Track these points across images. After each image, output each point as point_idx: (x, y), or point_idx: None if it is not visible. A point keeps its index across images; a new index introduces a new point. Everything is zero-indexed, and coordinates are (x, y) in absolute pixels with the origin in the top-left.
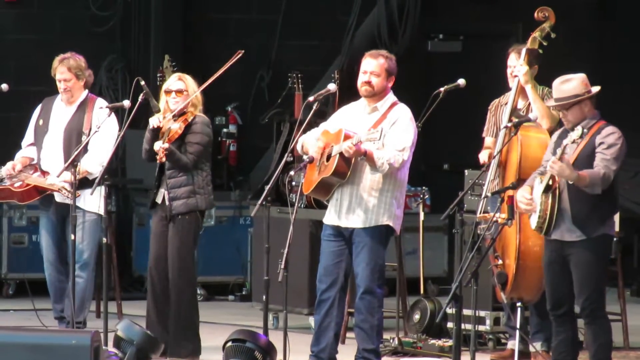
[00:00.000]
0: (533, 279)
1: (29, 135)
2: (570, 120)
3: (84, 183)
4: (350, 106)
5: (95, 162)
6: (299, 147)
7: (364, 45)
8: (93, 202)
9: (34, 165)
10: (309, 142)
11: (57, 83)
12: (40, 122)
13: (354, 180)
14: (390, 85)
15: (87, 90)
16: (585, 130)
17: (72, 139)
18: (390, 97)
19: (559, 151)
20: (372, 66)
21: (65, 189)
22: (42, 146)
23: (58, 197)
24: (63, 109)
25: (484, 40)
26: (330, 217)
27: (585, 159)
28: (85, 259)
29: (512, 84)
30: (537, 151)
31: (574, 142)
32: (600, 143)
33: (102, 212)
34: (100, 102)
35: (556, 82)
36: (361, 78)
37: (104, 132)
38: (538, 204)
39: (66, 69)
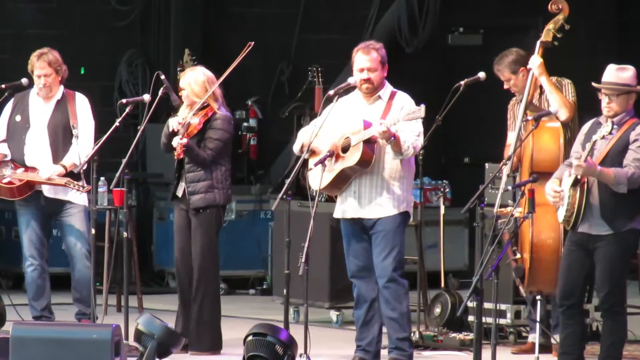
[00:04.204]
0: (549, 271)
1: (1, 132)
2: (613, 108)
3: (73, 176)
4: (344, 100)
5: (85, 154)
6: (296, 149)
7: (384, 39)
8: (81, 195)
9: (7, 161)
10: (317, 143)
11: (36, 79)
12: (18, 118)
13: (374, 169)
14: (385, 74)
15: (62, 86)
16: (616, 126)
17: (58, 134)
18: (389, 86)
19: (588, 146)
20: (368, 62)
21: (74, 182)
22: (25, 142)
23: (48, 192)
24: (42, 105)
25: (504, 33)
26: (351, 210)
27: (618, 154)
28: (89, 248)
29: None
30: (549, 143)
31: (603, 137)
32: (635, 140)
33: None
34: (80, 96)
35: (612, 67)
36: (359, 76)
37: (87, 124)
38: (566, 197)
39: (46, 63)
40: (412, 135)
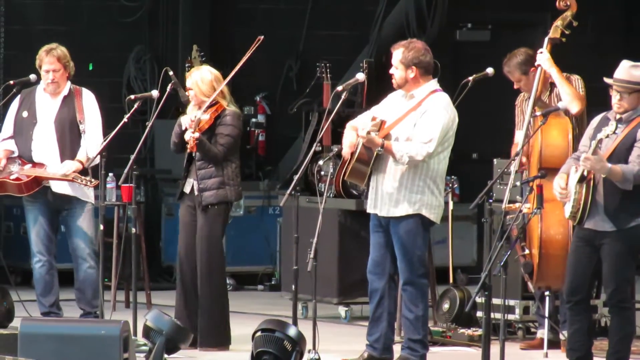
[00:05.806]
0: (558, 267)
1: (8, 128)
2: (623, 106)
3: (80, 171)
4: (398, 92)
5: (93, 150)
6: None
7: (392, 35)
8: (89, 191)
9: (14, 158)
10: (346, 133)
11: (44, 74)
12: (25, 114)
13: (385, 169)
14: (412, 75)
15: (69, 81)
16: (620, 125)
17: (65, 130)
18: (430, 86)
19: (593, 144)
20: (393, 59)
21: (81, 177)
22: (32, 138)
23: (55, 188)
24: (49, 101)
25: (512, 29)
26: (369, 205)
27: (624, 152)
28: (95, 248)
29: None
30: (557, 139)
31: (607, 137)
32: None
33: (92, 200)
34: (87, 92)
35: (626, 64)
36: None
37: (94, 119)
38: (572, 193)
39: (55, 59)
40: (418, 143)
